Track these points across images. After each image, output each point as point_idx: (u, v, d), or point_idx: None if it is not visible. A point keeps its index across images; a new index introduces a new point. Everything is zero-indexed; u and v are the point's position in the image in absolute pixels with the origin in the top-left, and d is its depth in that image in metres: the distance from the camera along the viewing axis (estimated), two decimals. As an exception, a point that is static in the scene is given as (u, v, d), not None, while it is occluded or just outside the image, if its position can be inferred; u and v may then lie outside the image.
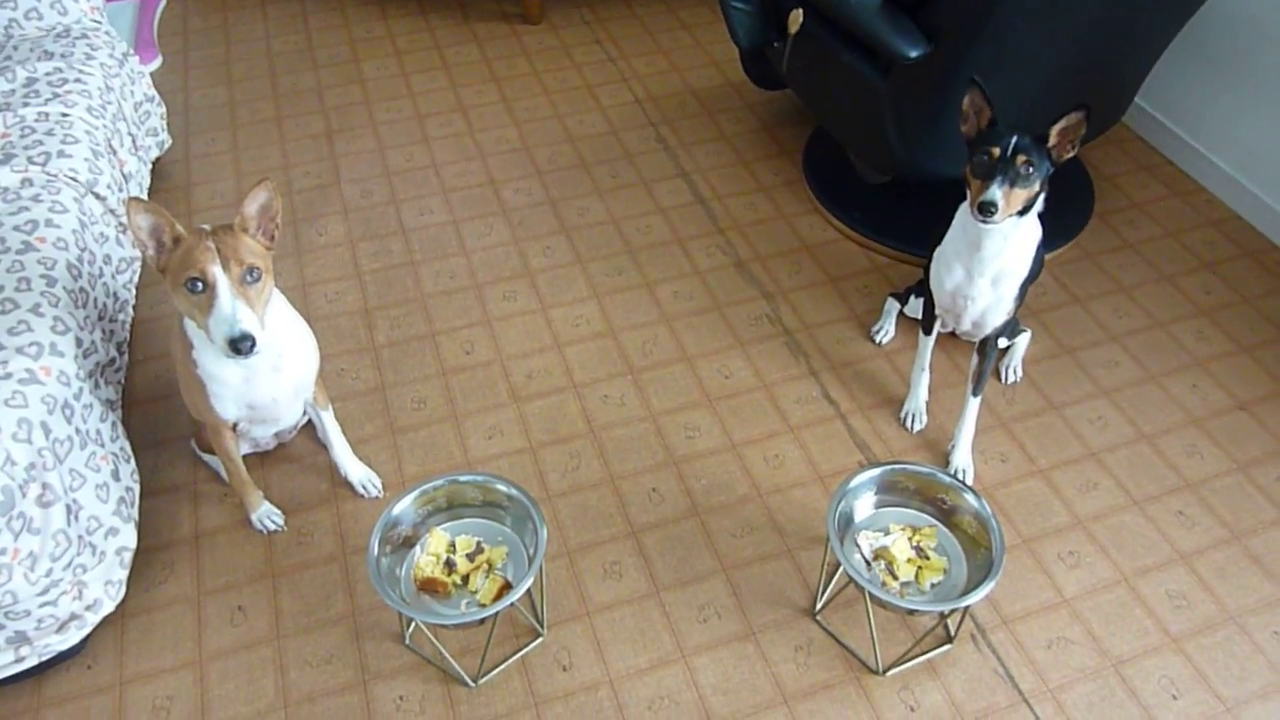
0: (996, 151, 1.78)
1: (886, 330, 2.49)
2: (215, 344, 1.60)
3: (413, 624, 1.91)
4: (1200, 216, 2.87)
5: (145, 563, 2.04)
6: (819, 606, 1.97)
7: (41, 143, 2.24)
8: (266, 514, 2.10)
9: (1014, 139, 1.78)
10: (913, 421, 2.29)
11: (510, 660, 1.90)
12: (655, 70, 3.47)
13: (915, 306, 2.35)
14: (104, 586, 1.84)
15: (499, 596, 1.78)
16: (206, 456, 2.18)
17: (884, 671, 1.88)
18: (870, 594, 1.75)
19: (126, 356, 2.20)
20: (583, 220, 2.86)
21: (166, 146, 2.93)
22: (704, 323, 2.55)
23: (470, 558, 1.86)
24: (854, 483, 1.89)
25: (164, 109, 2.94)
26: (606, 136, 3.17)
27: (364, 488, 2.16)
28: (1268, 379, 2.42)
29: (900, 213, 2.79)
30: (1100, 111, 2.56)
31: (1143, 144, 3.13)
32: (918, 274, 2.67)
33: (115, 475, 1.90)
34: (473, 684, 1.86)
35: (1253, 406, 2.36)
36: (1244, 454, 2.26)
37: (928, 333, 2.22)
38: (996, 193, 1.76)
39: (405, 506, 1.86)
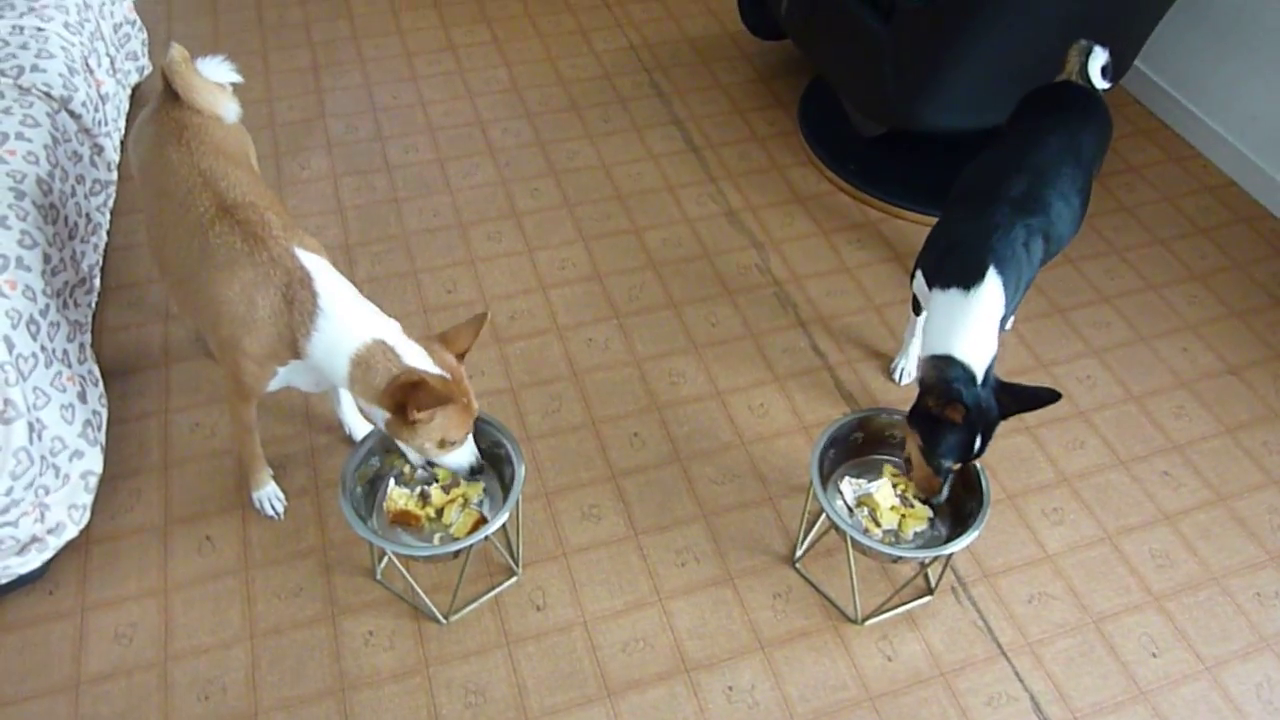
0: (947, 465, 1.70)
1: None
2: (452, 469, 1.69)
3: (384, 558, 1.87)
4: (1196, 182, 2.84)
5: (112, 490, 1.99)
6: (799, 554, 1.94)
7: (15, 55, 2.16)
8: (271, 495, 1.98)
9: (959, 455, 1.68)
10: (902, 376, 2.26)
11: (483, 598, 1.86)
12: (651, 16, 3.40)
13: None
14: (68, 510, 1.79)
15: (473, 531, 1.74)
16: None
17: (863, 621, 1.86)
18: (852, 539, 1.72)
19: (99, 280, 2.14)
20: (572, 164, 2.80)
21: (147, 73, 2.85)
22: (692, 270, 2.51)
23: (446, 490, 1.81)
24: (838, 427, 1.85)
25: (145, 35, 2.86)
26: (599, 80, 3.10)
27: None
28: (1258, 344, 2.39)
29: (895, 166, 2.74)
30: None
31: (1141, 108, 3.08)
32: (910, 229, 2.63)
33: (82, 397, 1.84)
34: (444, 621, 1.82)
35: (1242, 371, 2.33)
36: (1231, 417, 2.23)
37: (917, 314, 2.16)
38: (944, 494, 1.75)
39: (381, 439, 1.81)
